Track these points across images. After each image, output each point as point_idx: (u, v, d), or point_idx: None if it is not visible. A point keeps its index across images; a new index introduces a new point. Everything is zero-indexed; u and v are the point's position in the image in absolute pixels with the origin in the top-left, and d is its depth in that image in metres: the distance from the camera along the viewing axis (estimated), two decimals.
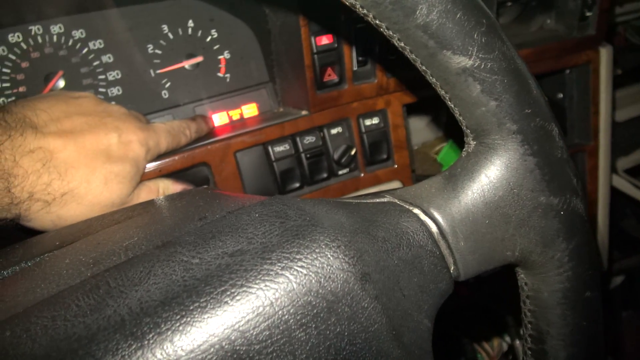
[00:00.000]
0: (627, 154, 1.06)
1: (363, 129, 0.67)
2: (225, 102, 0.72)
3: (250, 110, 0.73)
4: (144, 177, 0.53)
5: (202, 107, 0.70)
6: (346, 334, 0.25)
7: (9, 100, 0.61)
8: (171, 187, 0.54)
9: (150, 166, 0.55)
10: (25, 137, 0.43)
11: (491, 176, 0.30)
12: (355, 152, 0.67)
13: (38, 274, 0.32)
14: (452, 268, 0.31)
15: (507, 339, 0.99)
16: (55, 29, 0.63)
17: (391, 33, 0.28)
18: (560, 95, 0.84)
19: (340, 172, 0.68)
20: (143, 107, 0.67)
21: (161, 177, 0.56)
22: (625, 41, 1.47)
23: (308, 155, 0.65)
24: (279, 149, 0.63)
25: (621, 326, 1.43)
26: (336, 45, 0.61)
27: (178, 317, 0.23)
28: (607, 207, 0.86)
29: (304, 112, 0.65)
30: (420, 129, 0.96)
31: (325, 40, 0.61)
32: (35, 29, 0.62)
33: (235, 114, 0.72)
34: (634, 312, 1.45)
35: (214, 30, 0.70)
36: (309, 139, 0.65)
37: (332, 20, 0.61)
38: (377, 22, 0.28)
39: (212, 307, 0.23)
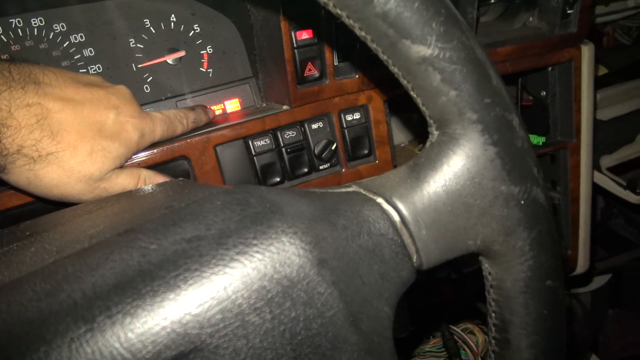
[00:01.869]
0: (611, 152, 1.07)
1: (344, 124, 0.67)
2: (207, 97, 0.72)
3: (232, 105, 0.73)
4: None
5: (184, 101, 0.70)
6: (302, 319, 0.25)
7: None
8: (154, 177, 0.54)
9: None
10: (26, 91, 0.43)
11: (453, 165, 0.30)
12: (336, 147, 0.67)
13: (3, 262, 0.32)
14: (415, 257, 0.31)
15: None
16: (36, 21, 0.62)
17: (352, 22, 0.28)
18: (544, 93, 0.85)
19: (321, 167, 0.68)
20: None
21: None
22: (614, 41, 1.48)
23: (289, 150, 0.65)
24: (260, 143, 0.63)
25: (608, 324, 1.44)
26: (316, 40, 0.62)
27: (130, 300, 0.23)
28: (589, 203, 0.87)
29: (285, 107, 0.65)
30: (407, 127, 0.97)
31: (305, 35, 0.61)
32: (15, 21, 0.62)
33: (217, 109, 0.72)
34: (620, 310, 1.46)
35: (196, 25, 0.70)
36: (290, 134, 0.65)
37: (313, 16, 0.61)
38: (338, 10, 0.28)
39: (164, 290, 0.23)
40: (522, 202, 0.31)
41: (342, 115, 0.67)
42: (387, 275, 0.29)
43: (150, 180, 0.53)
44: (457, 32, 0.28)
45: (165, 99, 0.69)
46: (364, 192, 0.32)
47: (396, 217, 0.31)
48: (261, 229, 0.26)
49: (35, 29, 0.63)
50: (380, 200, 0.31)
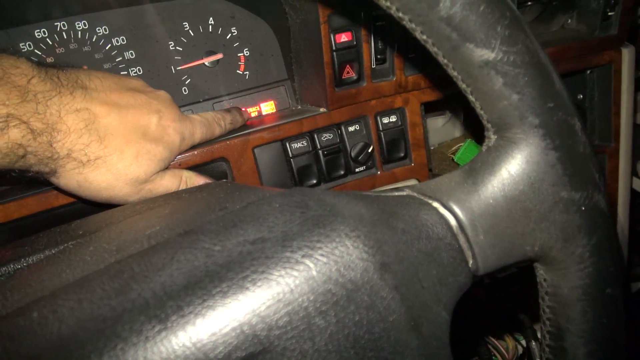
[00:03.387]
0: None
1: (381, 127, 0.67)
2: (243, 99, 0.72)
3: (268, 107, 0.73)
4: None
5: (220, 104, 0.71)
6: (365, 322, 0.25)
7: None
8: (194, 178, 0.55)
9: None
10: (75, 96, 0.44)
11: (512, 170, 0.30)
12: (373, 150, 0.67)
13: (63, 260, 0.33)
14: (471, 262, 0.31)
15: (523, 342, 0.98)
16: (80, 25, 0.64)
17: (414, 26, 0.28)
18: (581, 97, 0.84)
19: (357, 170, 0.68)
20: None
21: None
22: None
23: (325, 152, 0.65)
24: (297, 145, 0.63)
25: None
26: (355, 42, 0.62)
27: (200, 301, 0.23)
28: (628, 209, 0.85)
29: (322, 110, 0.65)
30: (437, 129, 0.96)
31: (344, 37, 0.61)
32: (60, 25, 0.63)
33: (253, 111, 0.72)
34: None
35: (234, 28, 0.71)
36: (327, 136, 0.65)
37: (352, 18, 0.61)
38: (400, 14, 0.28)
39: (233, 292, 0.23)
40: (583, 208, 0.30)
41: (379, 118, 0.67)
42: (445, 279, 0.29)
43: (191, 182, 0.54)
44: (521, 35, 0.28)
45: (203, 100, 0.70)
46: (418, 196, 0.32)
47: (453, 222, 0.31)
48: (324, 232, 0.26)
49: (79, 32, 0.64)
50: (436, 204, 0.31)
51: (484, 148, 0.32)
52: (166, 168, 0.53)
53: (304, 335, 0.24)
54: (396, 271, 0.27)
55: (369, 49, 0.63)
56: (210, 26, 0.69)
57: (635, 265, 1.38)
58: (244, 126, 0.65)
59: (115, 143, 0.46)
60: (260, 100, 0.73)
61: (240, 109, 0.66)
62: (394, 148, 0.69)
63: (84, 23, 0.64)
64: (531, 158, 0.30)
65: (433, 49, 0.29)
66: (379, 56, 0.64)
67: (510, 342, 0.99)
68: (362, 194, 0.32)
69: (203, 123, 0.57)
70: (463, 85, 0.30)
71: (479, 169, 0.31)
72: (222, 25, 0.70)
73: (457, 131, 0.99)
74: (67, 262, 0.32)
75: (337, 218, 0.27)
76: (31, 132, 0.41)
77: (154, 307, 0.23)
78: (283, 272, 0.24)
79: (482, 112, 0.31)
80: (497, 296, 0.89)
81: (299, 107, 0.73)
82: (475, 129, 0.96)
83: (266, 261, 0.25)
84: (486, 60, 0.28)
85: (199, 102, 0.70)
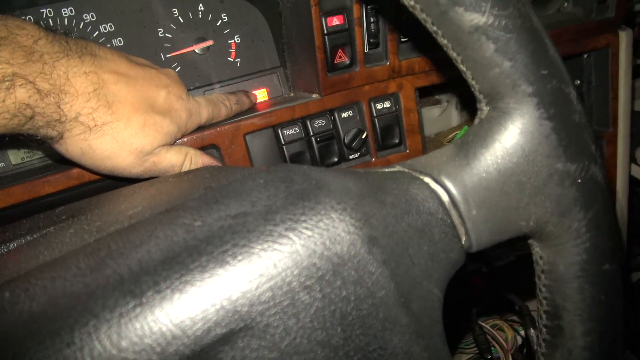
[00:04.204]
0: None
1: (374, 113, 0.66)
2: (235, 86, 0.71)
3: (260, 95, 0.72)
4: None
5: (211, 91, 0.70)
6: (352, 298, 0.24)
7: None
8: (199, 156, 0.55)
9: None
10: (83, 61, 0.44)
11: (505, 142, 0.29)
12: (366, 136, 0.66)
13: (42, 243, 0.32)
14: (464, 238, 0.30)
15: (522, 332, 0.97)
16: (67, 11, 0.63)
17: None
18: (578, 82, 0.82)
19: (351, 157, 0.67)
20: None
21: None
22: None
23: (318, 139, 0.64)
24: (289, 132, 0.62)
25: None
26: (347, 26, 0.60)
27: (178, 275, 0.22)
28: (626, 196, 0.84)
29: (314, 96, 0.64)
30: (434, 119, 0.95)
31: (336, 21, 0.60)
32: (46, 11, 0.62)
33: None
34: None
35: (224, 14, 0.69)
36: (320, 123, 0.64)
37: (343, 0, 0.60)
38: None
39: (213, 266, 0.22)
40: (579, 181, 0.29)
41: (372, 104, 0.66)
42: (436, 256, 0.28)
43: (196, 159, 0.54)
44: None
45: (194, 88, 0.69)
46: (409, 172, 0.31)
47: (445, 197, 0.30)
48: (309, 205, 0.25)
49: (66, 19, 0.63)
50: (427, 179, 0.30)
51: (476, 121, 0.31)
52: (172, 144, 0.52)
53: (288, 311, 0.23)
54: (385, 245, 0.26)
55: (362, 32, 0.62)
56: (200, 12, 0.68)
57: (635, 255, 1.37)
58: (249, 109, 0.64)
59: (122, 110, 0.46)
60: (252, 88, 0.71)
61: (247, 91, 0.66)
62: (388, 134, 0.67)
63: (71, 10, 0.63)
64: (525, 128, 0.28)
65: (422, 16, 0.28)
66: (371, 40, 0.63)
67: (509, 332, 0.98)
68: (352, 170, 0.31)
69: (208, 103, 0.57)
70: (453, 54, 0.29)
71: (471, 142, 0.30)
72: (212, 11, 0.69)
73: (454, 121, 0.98)
74: (46, 244, 0.31)
75: (323, 191, 0.26)
76: (38, 92, 0.40)
77: (129, 282, 0.22)
78: (265, 246, 0.23)
79: (473, 82, 0.30)
80: (495, 285, 0.89)
81: (292, 94, 0.71)
82: (472, 117, 0.94)
83: (248, 235, 0.24)
84: (476, 25, 0.26)
85: (190, 89, 0.69)
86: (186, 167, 0.53)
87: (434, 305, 0.28)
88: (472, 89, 0.30)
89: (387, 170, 0.32)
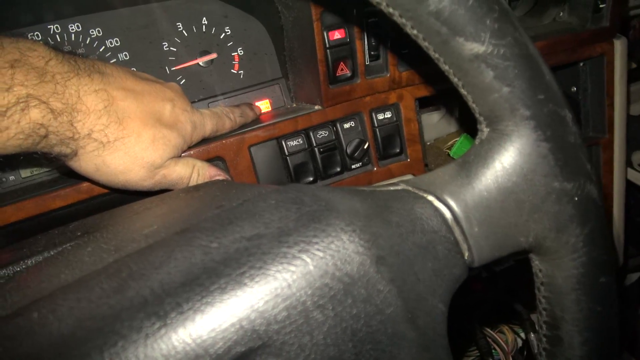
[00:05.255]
0: None
1: (376, 123, 0.68)
2: (239, 98, 0.72)
3: (263, 106, 0.73)
4: None
5: (215, 103, 0.71)
6: (362, 316, 0.26)
7: None
8: (206, 168, 0.56)
9: None
10: (92, 79, 0.45)
11: (504, 162, 0.30)
12: (368, 146, 0.67)
13: (61, 261, 0.33)
14: (467, 254, 0.31)
15: (522, 335, 0.98)
16: (73, 27, 0.64)
17: (404, 21, 0.29)
18: (574, 89, 0.84)
19: (353, 166, 0.68)
20: None
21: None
22: None
23: (321, 150, 0.65)
24: (293, 143, 0.64)
25: (638, 323, 1.41)
26: (348, 39, 0.62)
27: (199, 297, 0.23)
28: (623, 200, 0.85)
29: (317, 107, 0.66)
30: (433, 125, 0.96)
31: (337, 34, 0.61)
32: (53, 27, 0.63)
33: None
34: None
35: (227, 27, 0.71)
36: (322, 133, 0.65)
37: (344, 15, 0.61)
38: (390, 9, 0.28)
39: (231, 288, 0.24)
40: (576, 199, 0.31)
41: (374, 114, 0.67)
42: (440, 272, 0.30)
43: (203, 171, 0.55)
44: (510, 28, 0.28)
45: (198, 100, 0.70)
46: (413, 190, 0.32)
47: (448, 215, 0.31)
48: (320, 227, 0.26)
49: (73, 35, 0.64)
50: (431, 197, 0.31)
51: (477, 141, 0.32)
52: (179, 157, 0.54)
53: (303, 329, 0.24)
54: (392, 264, 0.27)
55: (362, 45, 0.64)
56: (204, 26, 0.70)
57: (631, 257, 1.38)
58: (254, 121, 0.65)
59: (132, 126, 0.47)
60: (255, 99, 0.73)
61: (251, 104, 0.67)
62: (389, 144, 0.69)
63: (77, 25, 0.64)
64: (523, 150, 0.30)
65: (424, 44, 0.30)
66: (372, 52, 0.64)
67: (509, 334, 0.99)
68: (357, 189, 0.32)
69: (212, 115, 0.59)
70: (455, 79, 0.30)
71: (472, 162, 0.31)
72: (216, 25, 0.70)
73: (452, 126, 0.99)
74: (66, 263, 0.32)
75: (332, 213, 0.27)
76: (51, 111, 0.42)
77: (153, 304, 0.23)
78: (280, 267, 0.25)
79: (474, 106, 0.31)
80: (495, 289, 0.90)
81: (294, 105, 0.73)
82: (470, 124, 0.96)
83: (263, 257, 0.25)
84: (476, 53, 0.28)
85: (194, 101, 0.70)
86: (194, 179, 0.54)
87: (438, 319, 0.29)
88: (473, 112, 0.32)
89: (392, 189, 0.33)
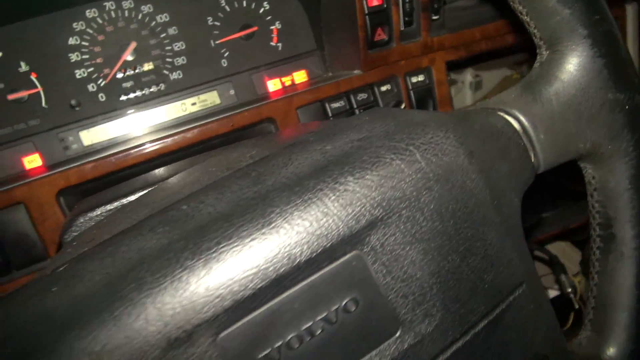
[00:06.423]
0: None
1: (410, 86, 0.72)
2: (277, 69, 0.77)
3: (300, 76, 0.78)
4: None
5: (258, 74, 0.76)
6: (460, 198, 0.30)
7: (88, 70, 0.67)
8: None
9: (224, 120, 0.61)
10: None
11: (564, 78, 0.35)
12: (404, 108, 0.72)
13: (181, 180, 0.38)
14: (534, 159, 0.36)
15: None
16: (127, 4, 0.68)
17: None
18: None
19: None
20: (205, 75, 0.72)
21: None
22: None
23: (361, 111, 0.70)
24: (336, 105, 0.68)
25: None
26: (385, 6, 0.67)
27: (333, 181, 0.28)
28: None
29: (356, 72, 0.70)
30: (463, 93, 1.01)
31: (375, 1, 0.66)
32: (109, 4, 0.67)
33: (287, 81, 0.77)
34: None
35: (266, 2, 0.75)
36: (362, 96, 0.70)
37: None
38: None
39: (359, 172, 0.28)
40: (627, 107, 0.35)
41: (408, 78, 0.72)
42: (514, 171, 0.34)
43: None
44: None
45: (241, 72, 0.75)
46: (486, 108, 0.37)
47: (517, 126, 0.36)
48: (419, 127, 0.31)
49: (126, 11, 0.68)
50: (502, 113, 0.36)
51: (536, 64, 0.37)
52: None
53: (415, 205, 0.29)
54: (480, 158, 0.32)
55: (398, 12, 0.68)
56: (245, 1, 0.74)
57: None
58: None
59: None
60: (293, 69, 0.78)
61: None
62: (423, 106, 0.73)
63: (130, 2, 0.69)
64: (581, 66, 0.35)
65: None
66: (406, 19, 0.69)
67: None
68: (434, 111, 0.37)
69: None
70: (519, 7, 0.35)
71: (534, 81, 0.36)
72: (255, 1, 0.75)
73: (467, 100, 1.04)
74: (187, 180, 0.37)
75: (425, 119, 0.32)
76: None
77: (294, 185, 0.28)
78: (393, 156, 0.29)
79: (535, 31, 0.36)
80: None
81: (330, 74, 0.77)
82: (484, 97, 1.01)
83: (377, 150, 0.30)
84: None
85: (238, 73, 0.74)
86: None
87: (516, 210, 0.34)
88: (534, 37, 0.36)
89: (469, 109, 0.38)
